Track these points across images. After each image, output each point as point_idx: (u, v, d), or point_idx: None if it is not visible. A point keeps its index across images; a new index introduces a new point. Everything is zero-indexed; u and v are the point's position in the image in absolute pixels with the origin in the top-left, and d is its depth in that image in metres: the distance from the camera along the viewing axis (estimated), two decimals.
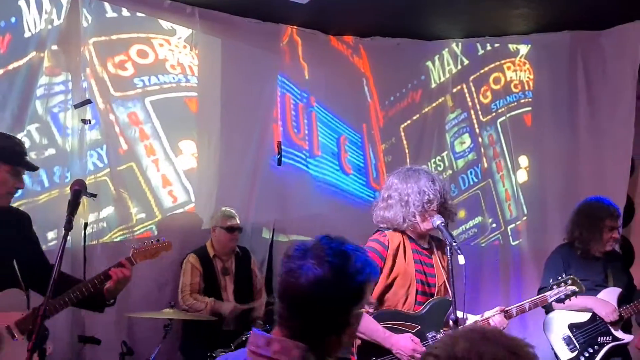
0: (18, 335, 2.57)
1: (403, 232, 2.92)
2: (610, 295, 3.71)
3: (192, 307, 4.30)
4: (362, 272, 1.48)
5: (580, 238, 3.78)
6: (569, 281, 3.12)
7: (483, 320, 2.93)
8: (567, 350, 3.69)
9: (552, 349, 3.80)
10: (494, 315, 2.92)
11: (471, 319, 2.91)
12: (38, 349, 1.96)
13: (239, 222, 4.56)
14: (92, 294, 2.73)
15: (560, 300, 3.17)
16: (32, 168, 2.83)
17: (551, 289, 3.15)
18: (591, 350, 3.64)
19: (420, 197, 2.81)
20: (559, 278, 3.16)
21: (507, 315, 2.96)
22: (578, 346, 3.66)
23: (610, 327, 3.66)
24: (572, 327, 3.71)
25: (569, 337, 3.70)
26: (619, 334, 3.65)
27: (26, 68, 4.07)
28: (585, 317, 3.71)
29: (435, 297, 2.94)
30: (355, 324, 1.53)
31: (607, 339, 3.65)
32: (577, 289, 3.10)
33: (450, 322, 2.66)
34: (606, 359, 3.65)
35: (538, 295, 3.29)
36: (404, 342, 2.73)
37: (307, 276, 1.43)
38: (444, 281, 2.96)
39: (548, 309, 3.77)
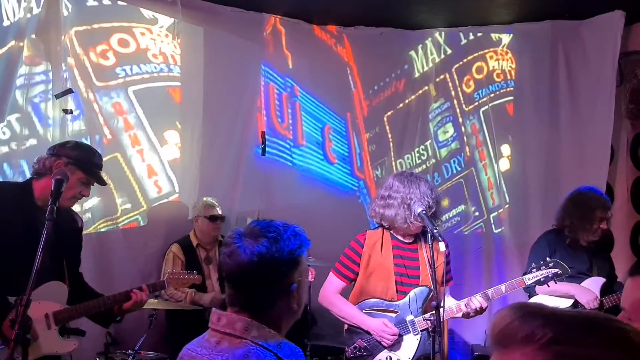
0: (53, 325, 2.71)
1: (386, 230, 3.13)
2: (593, 284, 3.76)
3: (172, 297, 4.30)
4: (293, 239, 1.60)
5: (570, 226, 3.81)
6: (551, 264, 3.17)
7: (463, 301, 3.09)
8: None
9: None
10: (472, 302, 3.07)
11: (451, 302, 3.04)
12: (22, 339, 1.95)
13: (220, 211, 4.56)
14: (106, 310, 2.91)
15: (540, 283, 3.22)
16: (102, 183, 3.01)
17: (530, 272, 3.19)
18: None
19: (422, 203, 2.99)
20: (541, 262, 3.20)
21: (485, 297, 3.09)
22: None
23: None
24: None
25: None
26: None
27: (5, 57, 4.02)
28: (567, 304, 3.76)
29: (417, 287, 3.12)
30: (299, 292, 1.62)
31: None
32: (560, 271, 3.14)
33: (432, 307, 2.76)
34: None
35: None
36: (375, 324, 3.02)
37: (245, 252, 1.54)
38: (427, 272, 3.09)
39: (531, 293, 3.82)
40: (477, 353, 4.68)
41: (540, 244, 3.90)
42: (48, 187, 2.64)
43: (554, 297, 3.77)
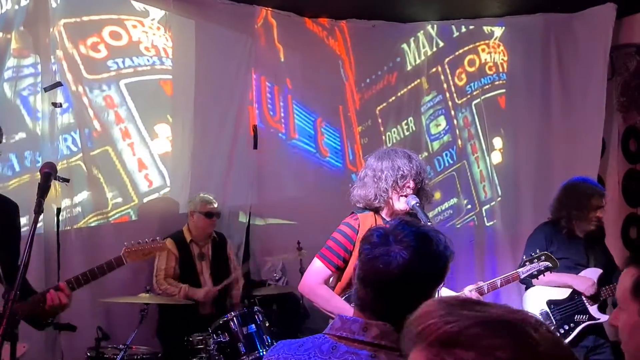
0: None
1: (377, 213, 2.90)
2: (590, 275, 3.77)
3: (165, 292, 4.28)
4: (445, 254, 1.50)
5: (567, 217, 3.80)
6: (543, 257, 3.16)
7: (458, 295, 2.97)
8: None
9: None
10: (468, 292, 2.95)
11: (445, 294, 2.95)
12: (9, 335, 1.91)
13: (217, 207, 4.54)
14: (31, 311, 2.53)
15: (533, 276, 3.22)
16: None
17: (524, 265, 3.18)
18: (567, 327, 3.71)
19: (394, 172, 2.79)
20: (532, 255, 3.19)
21: (479, 291, 2.98)
22: (554, 322, 3.73)
23: (587, 307, 3.73)
24: (550, 303, 3.78)
25: (547, 312, 3.76)
26: (595, 313, 3.72)
27: None
28: (564, 294, 3.77)
29: None
30: None
31: (584, 317, 3.72)
32: (550, 265, 3.14)
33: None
34: (581, 337, 3.71)
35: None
36: None
37: (397, 262, 1.44)
38: None
39: (528, 284, 3.84)
40: None
41: (537, 236, 3.90)
42: None
43: (551, 289, 3.79)
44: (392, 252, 1.45)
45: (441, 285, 2.75)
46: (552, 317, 3.75)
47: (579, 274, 3.78)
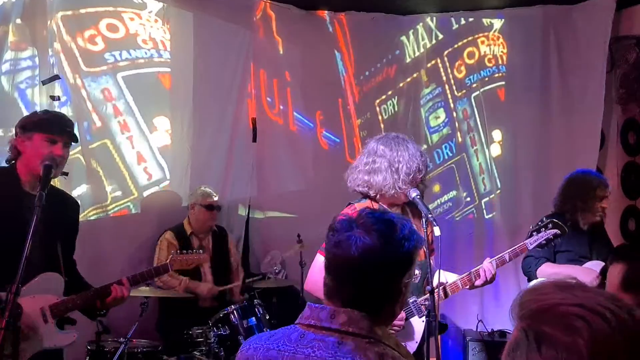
0: (50, 318, 2.60)
1: (374, 201, 2.85)
2: (594, 267, 3.78)
3: (165, 284, 4.28)
4: (410, 238, 1.47)
5: (572, 209, 3.79)
6: (550, 225, 3.00)
7: (474, 270, 2.87)
8: None
9: None
10: (485, 266, 2.84)
11: (450, 277, 2.91)
12: (12, 326, 1.92)
13: (217, 199, 4.54)
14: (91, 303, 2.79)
15: (542, 246, 3.04)
16: (74, 140, 2.78)
17: (531, 235, 3.03)
18: None
19: (410, 165, 2.73)
20: (539, 223, 3.05)
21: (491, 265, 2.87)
22: None
23: None
24: None
25: None
26: None
27: None
28: None
29: None
30: (407, 294, 1.51)
31: None
32: (559, 232, 2.99)
33: (426, 290, 2.66)
34: None
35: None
36: None
37: (357, 245, 1.42)
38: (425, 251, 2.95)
39: (531, 277, 3.84)
40: (469, 338, 4.70)
41: None
42: (29, 169, 2.59)
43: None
44: (353, 237, 1.44)
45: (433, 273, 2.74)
46: None
47: (583, 266, 3.78)
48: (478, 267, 2.89)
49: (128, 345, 3.65)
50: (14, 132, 2.80)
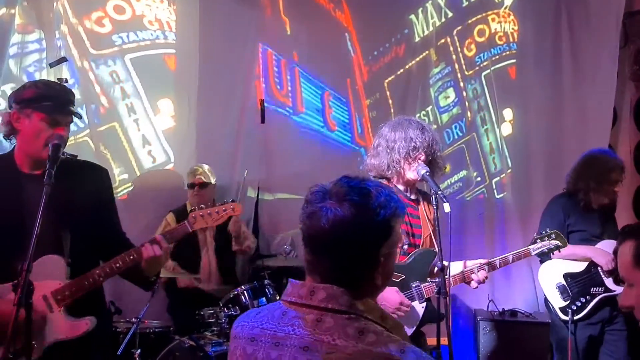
0: (55, 307, 2.35)
1: (389, 182, 2.91)
2: (607, 247, 3.75)
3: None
4: (386, 206, 1.40)
5: (585, 189, 3.75)
6: (553, 235, 3.14)
7: (467, 271, 2.94)
8: (560, 299, 3.75)
9: (545, 295, 3.87)
10: (478, 270, 2.93)
11: (453, 267, 2.93)
12: (24, 304, 1.91)
13: (205, 178, 4.45)
14: (130, 268, 2.45)
15: (543, 254, 3.20)
16: (77, 115, 2.53)
17: (534, 242, 3.15)
18: (583, 300, 3.70)
19: (407, 143, 2.81)
20: (542, 232, 3.17)
21: (491, 267, 2.98)
22: (571, 295, 3.72)
23: (604, 279, 3.71)
24: (567, 276, 3.77)
25: (564, 285, 3.75)
26: (611, 285, 3.70)
27: None
28: (580, 267, 3.75)
29: (420, 248, 2.95)
30: (389, 264, 1.45)
31: (600, 289, 3.71)
32: (560, 244, 3.12)
33: (436, 270, 2.67)
34: (597, 309, 3.70)
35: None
36: (390, 294, 2.73)
37: (327, 217, 1.37)
38: (430, 233, 2.97)
39: (543, 258, 3.82)
40: (479, 317, 4.69)
41: (553, 207, 3.86)
42: (25, 151, 2.40)
43: (568, 262, 3.76)
44: (324, 209, 1.38)
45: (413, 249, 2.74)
46: (569, 290, 3.74)
47: (596, 246, 3.75)
48: (472, 268, 2.94)
49: (140, 326, 3.68)
50: (7, 104, 2.51)
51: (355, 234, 1.38)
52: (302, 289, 1.41)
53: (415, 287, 2.86)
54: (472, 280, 2.92)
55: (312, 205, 1.41)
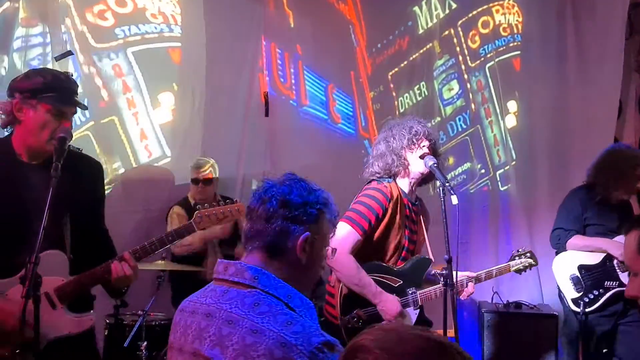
0: (58, 303, 2.32)
1: (395, 181, 2.97)
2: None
3: (182, 244, 4.12)
4: (319, 196, 1.60)
5: (605, 184, 3.71)
6: (528, 254, 3.42)
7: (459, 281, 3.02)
8: (573, 290, 3.76)
9: (558, 286, 3.88)
10: (466, 284, 3.07)
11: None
12: (32, 295, 1.92)
13: (210, 173, 4.42)
14: (100, 282, 2.42)
15: (519, 271, 3.42)
16: (82, 107, 2.50)
17: (513, 259, 3.42)
18: (596, 293, 3.70)
19: (406, 131, 2.87)
20: (519, 250, 3.44)
21: (477, 280, 3.12)
22: (584, 287, 3.72)
23: (619, 273, 3.70)
24: (581, 268, 3.76)
25: (577, 277, 3.75)
26: (626, 280, 3.67)
27: (1, 19, 3.93)
28: (596, 260, 3.75)
29: (416, 255, 3.03)
30: (312, 249, 1.58)
31: (614, 283, 3.70)
32: (533, 262, 3.41)
33: (445, 262, 2.69)
34: (610, 302, 3.70)
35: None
36: (390, 303, 2.82)
37: (266, 189, 1.60)
38: (423, 239, 3.07)
39: (560, 249, 3.82)
40: (484, 310, 4.70)
41: (571, 201, 3.85)
42: (27, 142, 2.33)
43: (583, 254, 3.76)
44: (266, 184, 1.63)
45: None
46: (582, 282, 3.74)
47: (612, 240, 3.73)
48: (461, 280, 3.08)
49: (146, 318, 3.69)
50: (8, 93, 2.40)
51: (286, 205, 1.58)
52: (220, 266, 1.61)
53: (412, 293, 2.94)
54: (463, 292, 3.05)
55: (261, 184, 1.68)
